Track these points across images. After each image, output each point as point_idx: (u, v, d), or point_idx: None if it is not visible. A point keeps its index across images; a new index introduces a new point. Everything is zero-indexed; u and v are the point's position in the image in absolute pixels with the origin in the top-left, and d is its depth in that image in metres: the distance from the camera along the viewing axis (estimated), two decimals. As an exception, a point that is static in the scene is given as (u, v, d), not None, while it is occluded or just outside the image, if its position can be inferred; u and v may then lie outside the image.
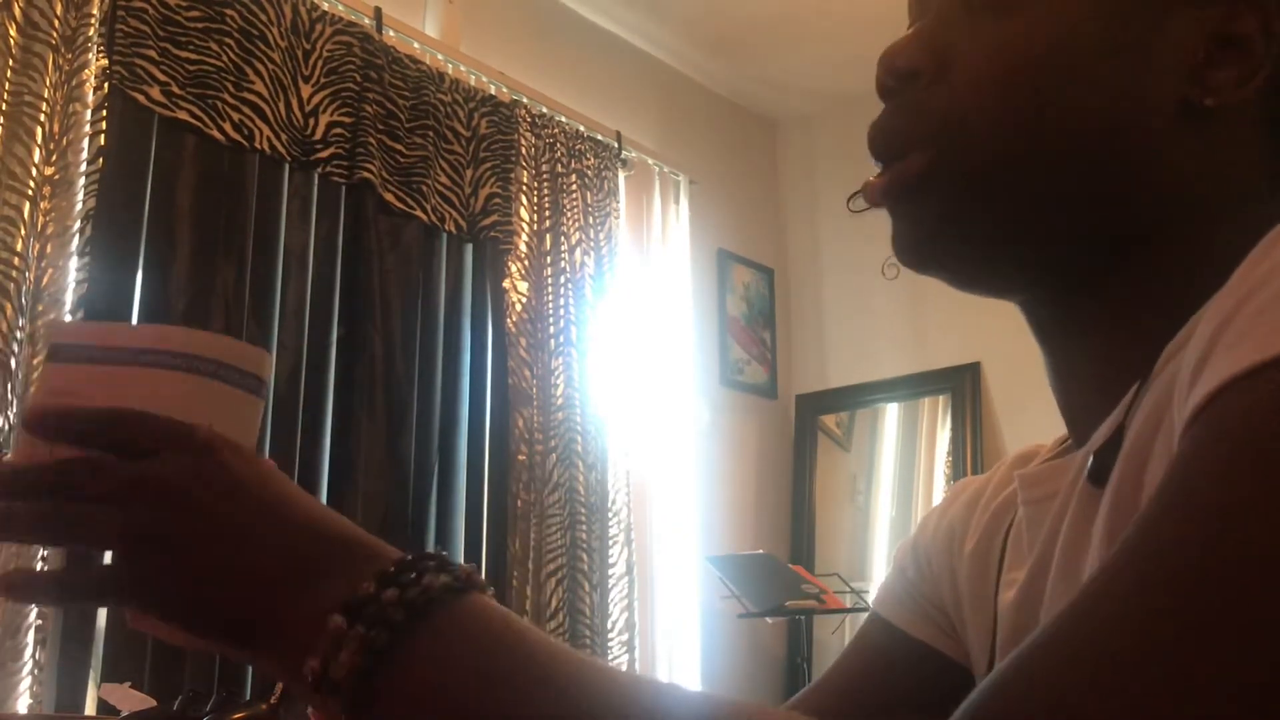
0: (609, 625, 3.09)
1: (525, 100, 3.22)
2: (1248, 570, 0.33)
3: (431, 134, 2.93)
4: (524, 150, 3.16)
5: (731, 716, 0.41)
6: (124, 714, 1.60)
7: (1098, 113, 0.54)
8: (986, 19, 0.56)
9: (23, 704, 1.99)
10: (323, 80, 2.70)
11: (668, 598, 3.41)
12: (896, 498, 3.92)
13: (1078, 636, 0.35)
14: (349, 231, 2.73)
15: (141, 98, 2.38)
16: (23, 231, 2.11)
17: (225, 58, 2.52)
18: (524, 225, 3.13)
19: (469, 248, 3.05)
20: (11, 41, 2.18)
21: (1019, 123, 0.54)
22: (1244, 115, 0.53)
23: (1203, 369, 0.38)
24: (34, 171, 2.15)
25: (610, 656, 3.05)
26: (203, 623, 0.48)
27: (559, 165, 3.26)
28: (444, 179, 2.96)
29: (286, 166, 2.62)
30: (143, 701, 1.65)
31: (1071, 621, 0.36)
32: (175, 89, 2.43)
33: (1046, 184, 0.54)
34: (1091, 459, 0.53)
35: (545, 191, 3.21)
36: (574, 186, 3.28)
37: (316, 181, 2.68)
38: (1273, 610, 0.32)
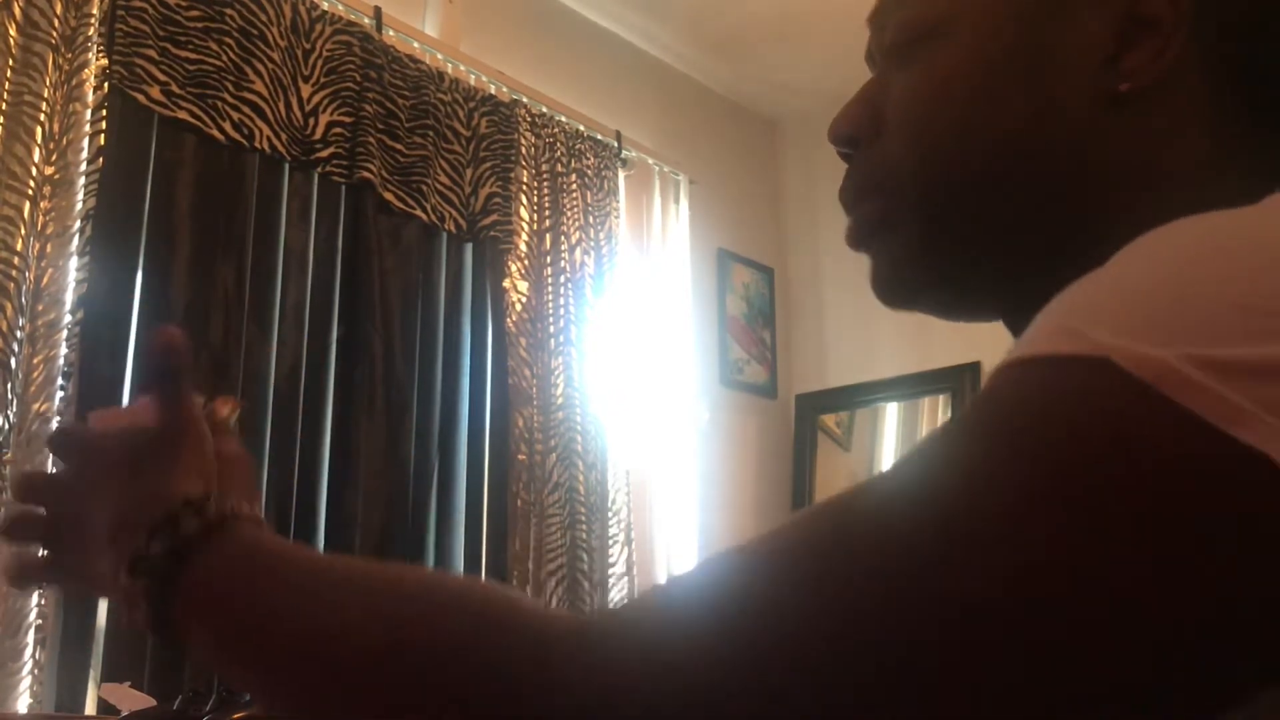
0: (609, 625, 3.09)
1: (525, 100, 3.22)
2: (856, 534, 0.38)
3: (431, 134, 2.93)
4: (524, 150, 3.16)
5: (453, 599, 0.46)
6: (124, 714, 1.61)
7: (1019, 125, 0.54)
8: (907, 65, 0.58)
9: (23, 704, 1.99)
10: (323, 80, 2.70)
11: (668, 598, 3.41)
12: (896, 498, 3.92)
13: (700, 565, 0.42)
14: (349, 231, 2.73)
15: (141, 97, 2.38)
16: (23, 231, 2.11)
17: (225, 57, 2.52)
18: (524, 225, 3.13)
19: (469, 247, 3.05)
20: (11, 41, 2.18)
21: (944, 157, 0.56)
22: (1176, 92, 0.53)
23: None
24: (34, 171, 2.15)
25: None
26: (76, 578, 0.64)
27: (559, 165, 3.26)
28: (444, 179, 2.96)
29: (286, 166, 2.62)
30: (143, 701, 1.65)
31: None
32: (175, 89, 2.43)
33: (987, 206, 0.56)
34: None
35: (545, 191, 3.21)
36: (574, 186, 3.28)
37: (316, 181, 2.68)
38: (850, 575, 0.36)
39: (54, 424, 2.11)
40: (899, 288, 0.61)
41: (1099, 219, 0.53)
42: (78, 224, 2.22)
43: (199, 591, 0.52)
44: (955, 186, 0.56)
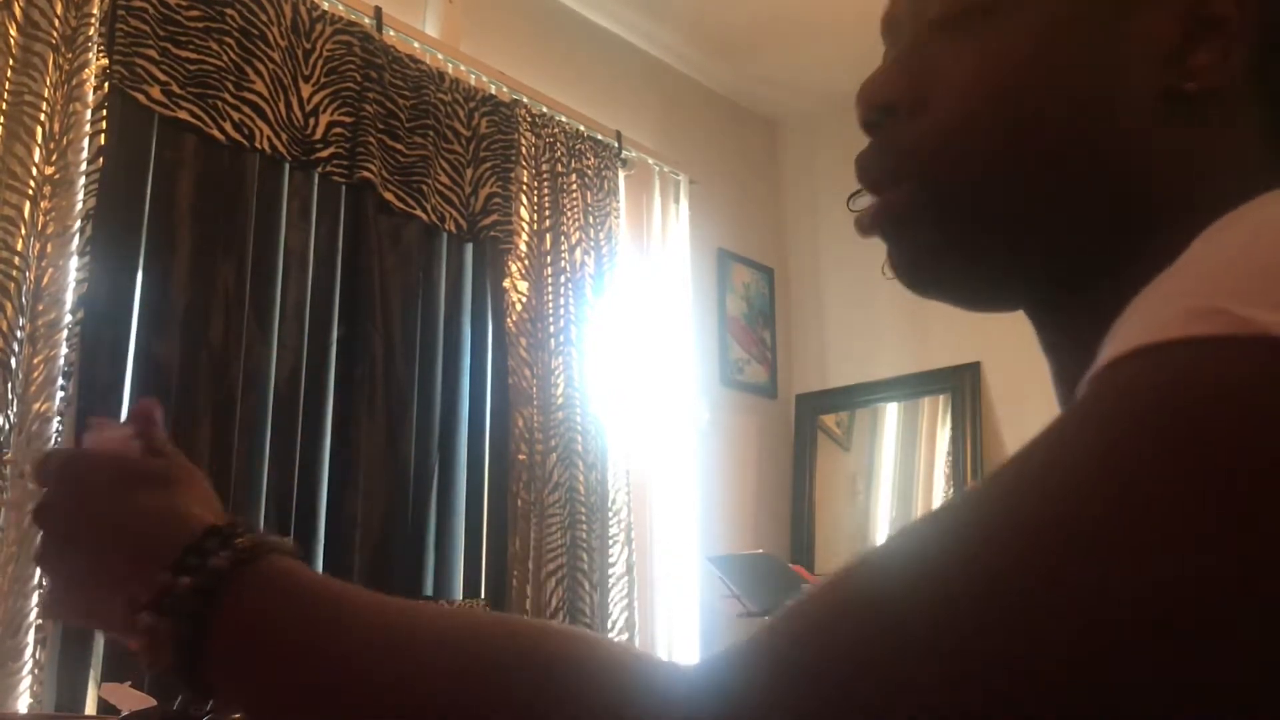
0: (609, 625, 3.09)
1: (525, 100, 3.22)
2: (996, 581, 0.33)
3: (431, 134, 2.93)
4: (524, 150, 3.16)
5: (488, 650, 0.42)
6: (124, 713, 1.60)
7: (1079, 117, 0.52)
8: (957, 39, 0.54)
9: (23, 704, 1.99)
10: (323, 80, 2.70)
11: (668, 598, 3.42)
12: (896, 498, 3.92)
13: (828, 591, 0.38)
14: (349, 231, 2.73)
15: (141, 97, 2.38)
16: (23, 231, 2.11)
17: (225, 57, 2.52)
18: (524, 225, 3.13)
19: (469, 247, 3.05)
20: (11, 41, 2.18)
21: (1000, 144, 0.53)
22: (1235, 97, 0.52)
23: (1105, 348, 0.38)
24: (34, 171, 2.15)
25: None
26: (81, 615, 0.57)
27: (559, 165, 3.26)
28: (444, 179, 2.96)
29: (286, 166, 2.62)
30: (143, 701, 1.65)
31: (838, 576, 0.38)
32: (175, 88, 2.43)
33: (1035, 199, 0.53)
34: None
35: (545, 191, 3.21)
36: (574, 186, 3.28)
37: (316, 181, 2.68)
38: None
39: (54, 424, 2.11)
40: (923, 278, 0.57)
41: (1156, 217, 0.52)
42: (78, 224, 2.22)
43: (232, 633, 0.47)
44: (1005, 177, 0.53)
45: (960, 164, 0.54)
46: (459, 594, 2.82)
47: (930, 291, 0.58)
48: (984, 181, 0.53)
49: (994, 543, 0.34)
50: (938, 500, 3.82)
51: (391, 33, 2.92)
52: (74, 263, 2.21)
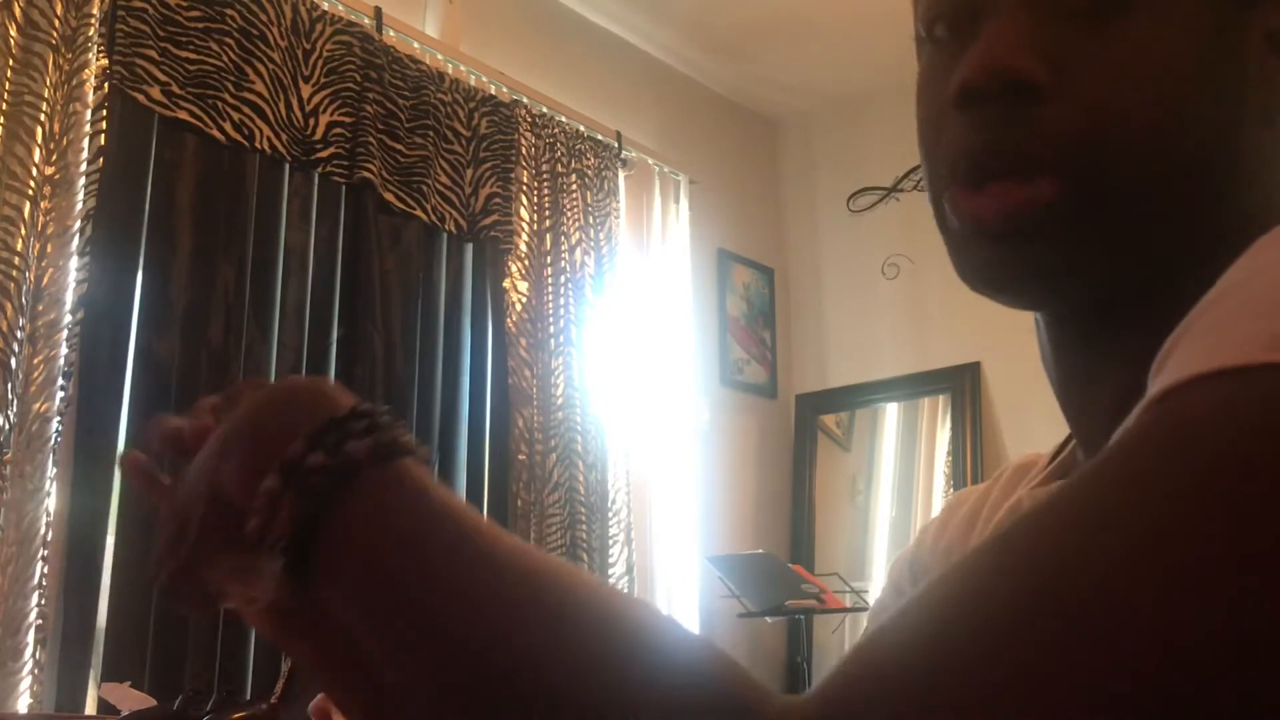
0: (609, 625, 3.09)
1: (525, 100, 3.22)
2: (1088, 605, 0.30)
3: (431, 134, 2.93)
4: (524, 150, 3.16)
5: (631, 627, 0.38)
6: (124, 714, 1.60)
7: (1218, 125, 0.50)
8: (1097, 30, 0.50)
9: (23, 704, 1.99)
10: (323, 80, 2.71)
11: (668, 597, 3.42)
12: (896, 498, 3.93)
13: (897, 634, 0.34)
14: (349, 231, 2.73)
15: (141, 98, 2.38)
16: (23, 231, 2.11)
17: (225, 58, 2.52)
18: (524, 225, 3.13)
19: (469, 248, 3.05)
20: (11, 41, 2.18)
21: (1154, 146, 0.49)
22: None
23: (1164, 364, 0.36)
24: (34, 171, 2.15)
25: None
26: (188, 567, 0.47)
27: (559, 165, 3.26)
28: (444, 179, 2.96)
29: (286, 166, 2.62)
30: (143, 701, 1.65)
31: (902, 617, 0.34)
32: (175, 89, 2.43)
33: (1173, 211, 0.50)
34: None
35: (545, 191, 3.21)
36: (574, 186, 3.28)
37: (316, 181, 2.68)
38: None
39: (54, 424, 2.11)
40: (1028, 288, 0.53)
41: (1232, 224, 0.50)
42: (78, 224, 2.22)
43: (355, 528, 0.41)
44: (1154, 184, 0.50)
45: (1115, 163, 0.50)
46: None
47: (1010, 297, 0.54)
48: (1136, 186, 0.50)
49: (1111, 579, 0.31)
50: (938, 500, 3.82)
51: (391, 33, 2.92)
52: (74, 263, 2.21)
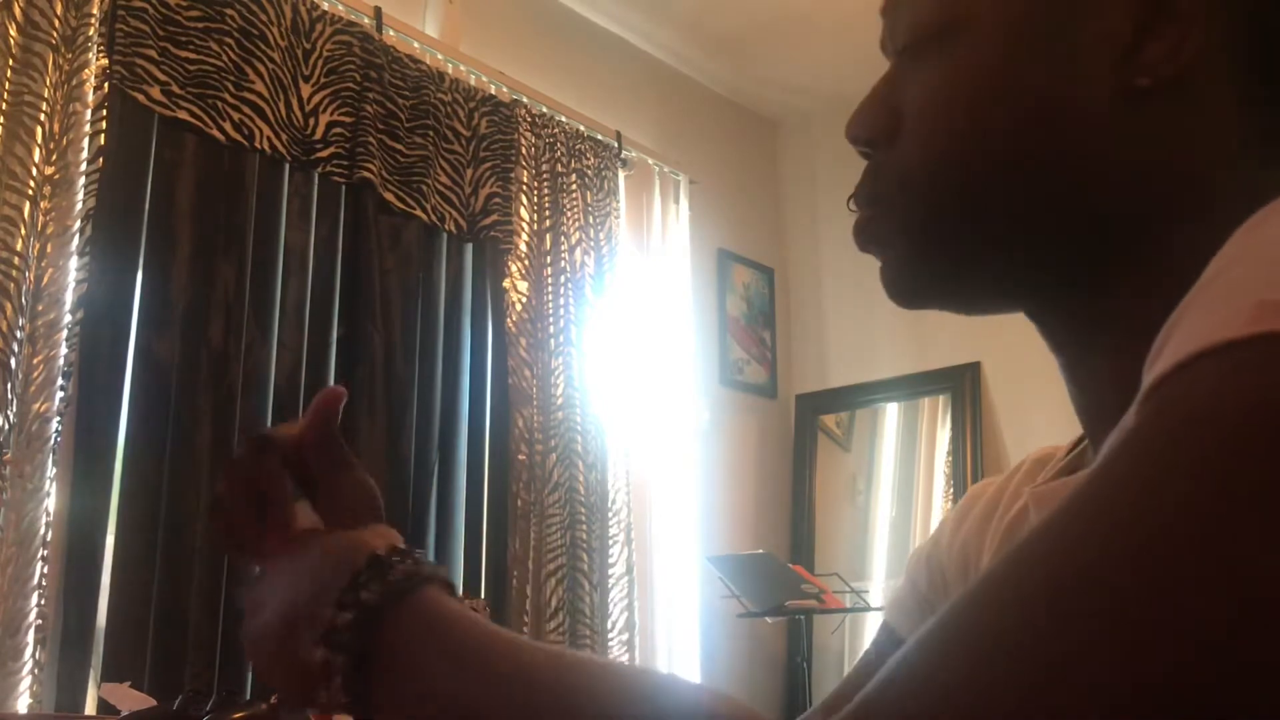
0: (609, 625, 3.09)
1: (525, 100, 3.22)
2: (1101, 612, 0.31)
3: (431, 134, 2.93)
4: (524, 150, 3.16)
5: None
6: (124, 714, 1.60)
7: (1038, 127, 0.52)
8: (922, 66, 0.56)
9: (23, 704, 1.99)
10: (323, 80, 2.71)
11: (668, 598, 3.41)
12: (896, 498, 3.92)
13: (929, 652, 0.34)
14: (349, 231, 2.73)
15: (141, 97, 2.38)
16: (23, 231, 2.11)
17: (225, 57, 2.52)
18: (524, 225, 3.13)
19: (469, 247, 3.05)
20: (11, 41, 2.18)
21: (958, 160, 0.54)
22: (1198, 84, 0.51)
23: (1160, 352, 0.37)
24: (34, 171, 2.15)
25: (610, 656, 3.05)
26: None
27: (559, 165, 3.26)
28: (444, 179, 2.96)
29: (286, 166, 2.62)
30: (143, 701, 1.65)
31: (930, 635, 0.34)
32: (175, 89, 2.43)
33: (996, 206, 0.54)
34: None
35: (545, 191, 3.21)
36: (574, 186, 3.28)
37: (316, 181, 2.68)
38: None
39: (54, 424, 2.11)
40: (909, 290, 0.59)
41: (1141, 215, 0.52)
42: (78, 224, 2.22)
43: (386, 668, 0.48)
44: (968, 189, 0.54)
45: (928, 183, 0.55)
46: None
47: (916, 302, 0.59)
48: (951, 195, 0.55)
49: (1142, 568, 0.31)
50: (938, 500, 3.82)
51: (391, 33, 2.92)
52: (74, 263, 2.21)
